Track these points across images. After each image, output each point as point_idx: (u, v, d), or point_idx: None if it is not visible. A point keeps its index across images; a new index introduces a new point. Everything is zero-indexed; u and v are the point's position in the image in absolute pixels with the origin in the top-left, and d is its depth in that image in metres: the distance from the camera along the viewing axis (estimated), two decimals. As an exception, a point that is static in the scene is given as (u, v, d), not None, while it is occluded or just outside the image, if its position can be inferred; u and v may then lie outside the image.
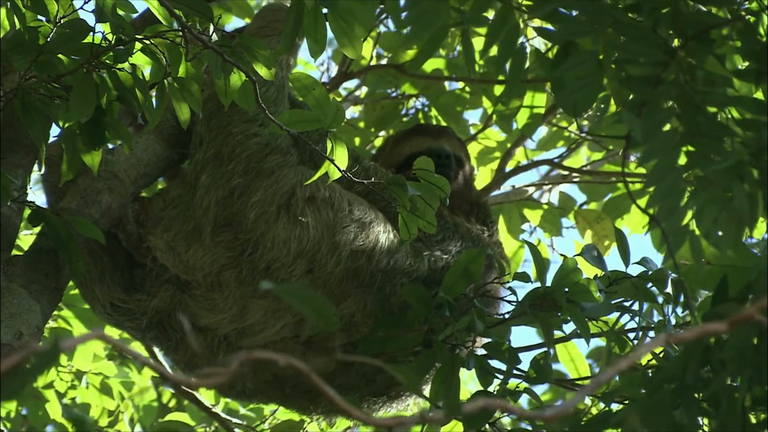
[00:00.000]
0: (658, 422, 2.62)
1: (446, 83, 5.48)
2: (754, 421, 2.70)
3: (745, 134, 2.83)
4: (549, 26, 3.16)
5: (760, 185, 2.78)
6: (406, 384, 3.86)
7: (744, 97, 2.90)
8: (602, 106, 2.99)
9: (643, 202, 3.14)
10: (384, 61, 5.62)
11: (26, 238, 5.28)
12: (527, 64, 3.29)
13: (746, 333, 2.54)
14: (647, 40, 2.87)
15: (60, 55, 3.42)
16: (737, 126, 2.86)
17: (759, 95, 3.17)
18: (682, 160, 2.86)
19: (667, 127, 2.87)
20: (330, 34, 3.32)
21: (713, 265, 2.96)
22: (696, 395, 2.69)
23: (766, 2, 3.13)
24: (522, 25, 3.23)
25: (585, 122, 5.68)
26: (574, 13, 2.96)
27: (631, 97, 2.90)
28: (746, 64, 3.04)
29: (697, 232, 2.87)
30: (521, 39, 3.22)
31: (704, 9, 2.94)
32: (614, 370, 1.96)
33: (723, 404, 2.61)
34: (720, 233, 2.82)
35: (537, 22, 3.58)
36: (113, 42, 3.39)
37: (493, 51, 3.22)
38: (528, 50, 3.32)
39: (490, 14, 3.22)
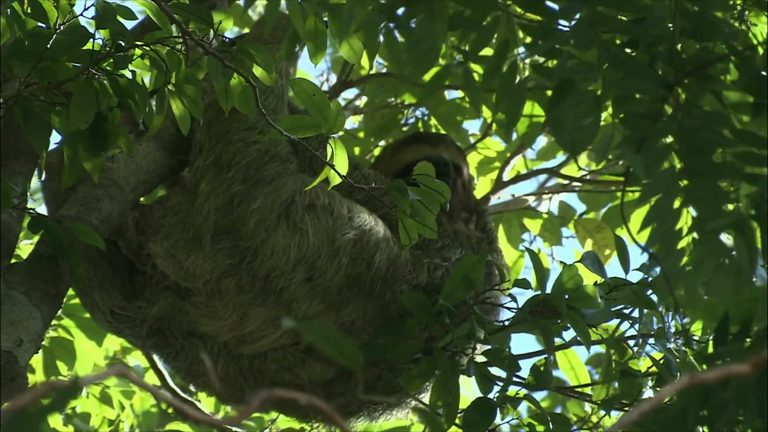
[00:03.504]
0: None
1: (446, 92, 5.48)
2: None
3: (747, 181, 2.82)
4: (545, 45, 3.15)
5: (763, 235, 2.78)
6: (407, 389, 3.85)
7: (745, 131, 2.89)
8: (602, 145, 2.98)
9: (642, 211, 3.12)
10: (383, 70, 5.62)
11: (25, 248, 5.28)
12: (526, 73, 3.29)
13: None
14: (645, 75, 2.86)
15: (60, 62, 3.42)
16: (738, 159, 2.85)
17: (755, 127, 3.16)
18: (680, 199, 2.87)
19: (666, 165, 2.87)
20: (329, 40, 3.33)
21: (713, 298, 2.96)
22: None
23: (761, 37, 3.14)
24: (520, 64, 3.24)
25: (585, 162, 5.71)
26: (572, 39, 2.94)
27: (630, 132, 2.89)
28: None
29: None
30: (519, 53, 3.22)
31: (700, 45, 2.94)
32: (646, 405, 1.96)
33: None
34: (719, 284, 2.81)
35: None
36: (113, 48, 3.39)
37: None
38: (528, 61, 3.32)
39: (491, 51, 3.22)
